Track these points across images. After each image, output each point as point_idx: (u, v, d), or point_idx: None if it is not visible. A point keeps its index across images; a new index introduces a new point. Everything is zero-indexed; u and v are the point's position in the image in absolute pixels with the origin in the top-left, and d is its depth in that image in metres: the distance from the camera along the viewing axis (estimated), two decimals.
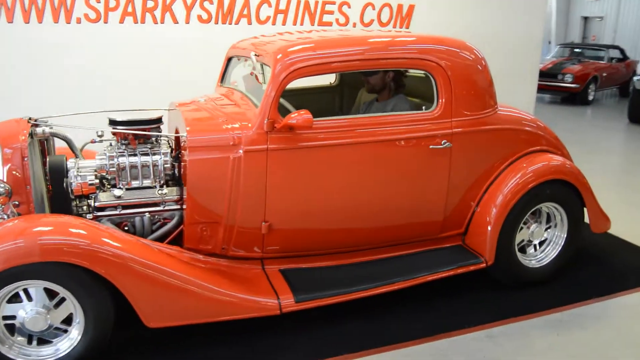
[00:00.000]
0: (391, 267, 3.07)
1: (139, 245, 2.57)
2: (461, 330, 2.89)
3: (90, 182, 2.83)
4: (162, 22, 5.61)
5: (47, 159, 2.94)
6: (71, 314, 2.45)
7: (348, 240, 3.06)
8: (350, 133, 2.83)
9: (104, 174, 2.94)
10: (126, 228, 2.97)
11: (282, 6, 5.96)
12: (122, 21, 5.47)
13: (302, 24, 6.09)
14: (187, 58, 5.62)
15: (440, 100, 2.96)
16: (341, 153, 2.84)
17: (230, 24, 5.84)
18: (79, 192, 2.83)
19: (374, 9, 6.29)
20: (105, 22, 5.42)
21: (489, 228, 3.13)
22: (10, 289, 2.34)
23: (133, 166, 2.91)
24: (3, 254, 2.25)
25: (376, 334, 2.85)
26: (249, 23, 5.91)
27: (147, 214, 2.94)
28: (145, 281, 2.47)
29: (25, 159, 2.69)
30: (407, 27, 6.46)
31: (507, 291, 3.27)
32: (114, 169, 2.92)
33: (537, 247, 3.41)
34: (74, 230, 2.40)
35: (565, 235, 3.38)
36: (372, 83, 3.33)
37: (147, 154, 2.95)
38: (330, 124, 2.84)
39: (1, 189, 2.57)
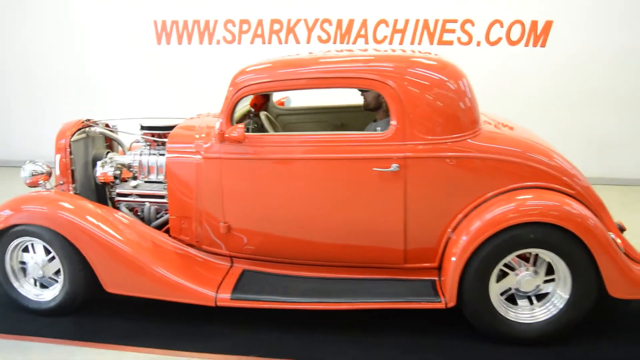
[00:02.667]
0: (345, 287, 3.02)
1: (110, 224, 3.15)
2: None
3: (109, 173, 3.54)
4: (287, 43, 6.25)
5: (94, 152, 3.77)
6: (59, 269, 3.18)
7: (304, 252, 3.12)
8: (297, 149, 2.93)
9: (127, 167, 3.63)
10: (139, 213, 3.63)
11: (400, 25, 6.01)
12: (252, 42, 6.29)
13: (420, 44, 6.03)
14: None
15: (392, 122, 2.82)
16: (288, 167, 2.95)
17: (347, 43, 6.15)
18: (102, 180, 3.57)
19: (502, 26, 5.82)
20: (239, 43, 6.31)
21: (451, 267, 2.83)
22: (25, 240, 3.16)
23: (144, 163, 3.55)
24: (37, 214, 3.08)
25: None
26: (366, 43, 6.13)
27: (147, 203, 3.54)
28: (105, 251, 3.03)
29: (68, 149, 3.54)
30: (543, 46, 5.80)
31: (484, 343, 2.90)
32: (137, 164, 3.60)
33: (534, 301, 2.91)
34: (64, 205, 3.11)
35: (566, 295, 2.81)
36: (367, 100, 3.32)
37: (162, 154, 3.54)
38: (280, 139, 2.99)
39: (44, 169, 3.46)
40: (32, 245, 3.18)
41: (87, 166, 3.71)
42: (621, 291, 2.79)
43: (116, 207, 3.62)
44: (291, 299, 2.94)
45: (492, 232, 2.71)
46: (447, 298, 2.83)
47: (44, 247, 3.14)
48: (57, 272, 3.17)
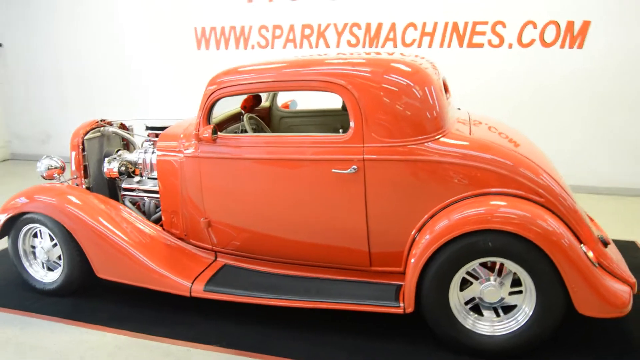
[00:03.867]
0: (312, 287, 3.09)
1: (105, 215, 3.42)
2: None
3: (115, 169, 3.84)
4: (317, 47, 6.37)
5: (106, 150, 4.10)
6: (60, 255, 3.51)
7: (276, 249, 3.21)
8: (264, 150, 3.04)
9: (133, 164, 3.91)
10: (141, 207, 3.91)
11: (429, 29, 5.93)
12: (284, 47, 6.48)
13: (449, 47, 5.92)
14: None
15: (351, 125, 2.86)
16: (256, 166, 3.07)
17: (376, 47, 6.16)
18: (108, 176, 3.88)
19: (535, 27, 5.57)
20: (272, 48, 6.51)
21: (409, 272, 2.82)
22: (34, 226, 3.52)
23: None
24: (43, 204, 3.43)
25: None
26: (395, 46, 6.10)
27: (145, 198, 3.81)
28: (96, 239, 3.31)
29: (81, 147, 3.89)
30: (580, 48, 5.48)
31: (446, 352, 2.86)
32: (142, 161, 3.88)
33: (501, 312, 2.83)
34: (73, 200, 3.43)
35: (530, 311, 2.71)
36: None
37: None
38: (249, 139, 3.11)
39: (59, 164, 3.82)
40: (40, 231, 3.53)
41: (100, 162, 4.04)
42: (590, 309, 2.63)
43: (122, 200, 3.92)
44: (258, 294, 3.06)
45: (446, 239, 2.67)
46: (406, 303, 2.83)
47: (49, 233, 3.48)
48: (60, 257, 3.50)
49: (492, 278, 2.78)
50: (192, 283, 3.18)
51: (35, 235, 3.58)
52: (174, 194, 3.44)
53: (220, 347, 2.96)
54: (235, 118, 3.68)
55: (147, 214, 3.85)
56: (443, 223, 2.72)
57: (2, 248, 4.14)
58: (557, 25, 5.50)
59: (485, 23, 5.73)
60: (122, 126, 4.22)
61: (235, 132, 3.61)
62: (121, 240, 3.31)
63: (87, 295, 3.52)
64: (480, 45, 5.80)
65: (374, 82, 2.81)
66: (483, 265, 2.79)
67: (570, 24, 5.45)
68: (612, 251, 3.04)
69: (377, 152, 2.82)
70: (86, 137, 3.91)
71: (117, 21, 7.12)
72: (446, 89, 3.70)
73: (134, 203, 3.90)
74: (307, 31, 6.34)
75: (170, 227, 3.57)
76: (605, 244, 2.89)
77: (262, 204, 3.14)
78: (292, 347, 2.93)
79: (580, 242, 2.71)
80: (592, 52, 5.45)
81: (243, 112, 3.72)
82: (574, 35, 5.47)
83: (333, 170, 2.88)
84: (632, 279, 2.79)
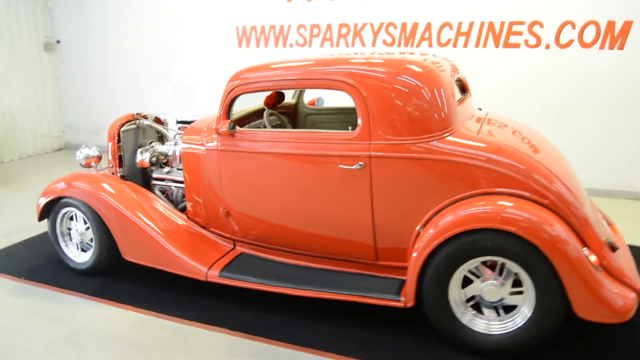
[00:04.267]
0: (322, 277, 3.20)
1: (133, 202, 3.66)
2: (329, 354, 2.88)
3: (146, 159, 4.08)
4: (353, 45, 6.45)
5: (140, 141, 4.35)
6: (92, 237, 3.78)
7: (290, 239, 3.34)
8: (277, 145, 3.17)
9: (164, 155, 4.15)
10: (169, 196, 4.14)
11: (464, 28, 5.89)
12: (322, 45, 6.60)
13: (484, 47, 5.86)
14: None
15: (359, 122, 2.94)
16: (270, 160, 3.21)
17: (412, 46, 6.18)
18: (140, 165, 4.12)
19: (574, 27, 5.43)
20: (310, 46, 6.65)
21: (410, 267, 2.88)
22: (71, 209, 3.81)
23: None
24: (78, 189, 3.72)
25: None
26: (430, 46, 6.10)
27: (173, 187, 4.04)
28: (123, 223, 3.56)
29: (116, 138, 4.15)
30: (621, 49, 5.30)
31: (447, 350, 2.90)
32: (171, 153, 4.11)
33: (502, 312, 2.84)
34: (105, 187, 3.69)
35: (528, 312, 2.71)
36: None
37: None
38: (264, 134, 3.25)
39: (97, 153, 4.10)
40: (75, 215, 3.82)
41: (135, 153, 4.30)
42: (589, 312, 2.61)
43: (152, 189, 4.17)
44: (269, 282, 3.20)
45: (446, 237, 2.72)
46: (407, 298, 2.89)
47: (83, 217, 3.76)
48: (92, 240, 3.78)
49: (492, 277, 2.80)
50: (209, 268, 3.36)
51: (71, 218, 3.87)
52: (197, 184, 3.64)
53: (227, 328, 3.12)
54: (258, 114, 3.84)
55: (174, 203, 4.08)
56: (445, 220, 2.77)
57: (45, 230, 4.48)
58: (597, 25, 5.34)
59: (522, 23, 5.63)
60: (157, 120, 4.47)
61: (258, 128, 3.77)
62: (146, 226, 3.54)
63: (114, 276, 3.78)
64: (517, 46, 5.71)
65: (381, 81, 2.89)
66: (485, 264, 2.82)
67: (611, 24, 5.28)
68: (623, 257, 2.99)
69: (382, 150, 2.89)
70: (122, 129, 4.17)
71: (163, 20, 7.47)
72: (465, 89, 3.73)
73: (163, 192, 4.14)
74: (344, 30, 6.44)
75: (194, 216, 3.77)
76: (614, 248, 2.84)
77: (275, 196, 3.28)
78: (299, 335, 3.04)
79: (586, 245, 2.70)
80: (633, 53, 5.25)
81: (265, 108, 3.87)
82: (615, 36, 5.29)
83: (340, 165, 2.98)
84: (639, 286, 2.74)
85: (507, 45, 5.75)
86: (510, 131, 3.25)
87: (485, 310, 2.86)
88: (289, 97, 4.37)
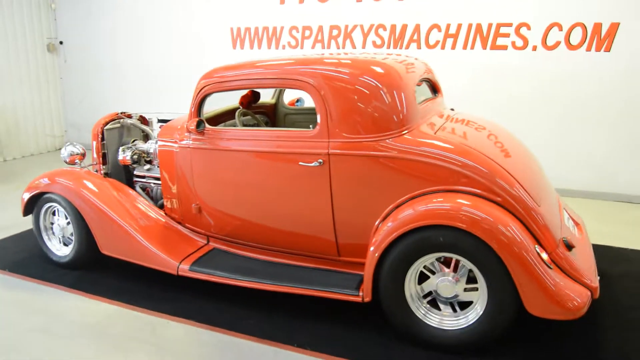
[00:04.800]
0: (287, 272, 3.29)
1: (111, 198, 3.78)
2: (286, 346, 2.96)
3: (127, 157, 4.20)
4: (344, 47, 6.53)
5: (123, 139, 4.47)
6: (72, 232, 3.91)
7: (259, 235, 3.42)
8: (241, 142, 3.27)
9: (146, 153, 4.26)
10: (150, 193, 4.25)
11: (452, 30, 5.93)
12: (313, 47, 6.68)
13: (472, 48, 5.89)
14: None
15: (318, 121, 3.02)
16: (235, 157, 3.31)
17: (400, 48, 6.24)
18: (122, 163, 4.24)
19: (560, 29, 5.44)
20: (302, 48, 6.74)
21: (367, 262, 2.94)
22: (53, 205, 3.94)
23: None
24: (60, 185, 3.85)
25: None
26: (419, 48, 6.15)
27: (153, 184, 4.15)
28: (100, 218, 3.68)
29: (100, 136, 4.28)
30: (608, 51, 5.30)
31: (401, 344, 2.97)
32: (152, 151, 4.22)
33: (457, 308, 2.89)
34: (85, 183, 3.82)
35: (481, 308, 2.76)
36: None
37: None
38: (230, 132, 3.34)
39: (81, 150, 4.23)
40: (58, 210, 3.95)
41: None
42: (540, 309, 2.65)
43: (134, 186, 4.28)
44: (235, 277, 3.29)
45: (399, 233, 2.78)
46: (364, 293, 2.96)
47: (64, 212, 3.89)
48: (72, 234, 3.90)
49: (447, 274, 2.85)
50: (180, 263, 3.46)
51: (53, 213, 4.00)
52: (172, 181, 3.74)
53: (195, 322, 3.22)
54: (232, 113, 3.93)
55: (154, 200, 4.19)
56: (400, 216, 2.83)
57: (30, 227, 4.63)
58: (584, 27, 5.35)
59: (510, 25, 5.66)
60: (142, 118, 4.58)
61: (234, 126, 3.86)
62: (122, 221, 3.65)
63: (93, 269, 3.90)
64: (504, 47, 5.74)
65: (339, 81, 2.96)
66: (441, 260, 2.87)
67: (598, 26, 5.29)
68: (583, 255, 3.02)
69: (340, 147, 2.97)
70: (106, 128, 4.29)
71: (162, 22, 7.63)
72: (437, 89, 3.79)
73: (144, 189, 4.25)
74: (335, 32, 6.52)
75: (171, 212, 3.87)
76: (570, 247, 2.88)
77: (242, 193, 3.37)
78: (261, 328, 3.13)
79: (539, 244, 2.74)
80: (620, 55, 5.25)
81: (240, 107, 3.96)
82: (601, 38, 5.30)
83: (300, 163, 3.06)
84: (594, 284, 2.78)
85: (494, 47, 5.78)
86: (473, 130, 3.30)
87: (442, 306, 2.92)
88: (269, 97, 4.46)
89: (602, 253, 4.00)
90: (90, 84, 8.49)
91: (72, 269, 3.92)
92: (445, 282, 2.85)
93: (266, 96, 4.46)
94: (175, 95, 7.63)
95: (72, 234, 3.89)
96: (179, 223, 3.84)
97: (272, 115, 4.50)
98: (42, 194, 3.94)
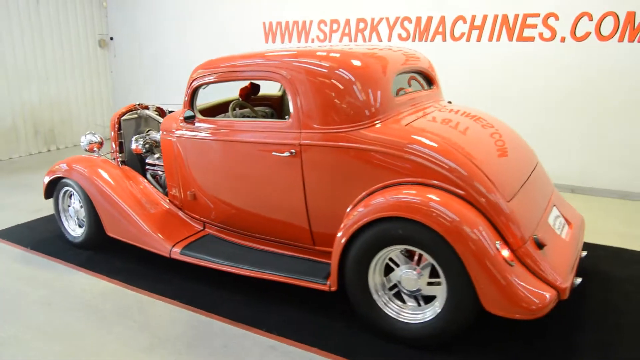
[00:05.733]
0: (265, 259, 3.40)
1: (119, 184, 4.04)
2: (255, 329, 3.07)
3: (139, 146, 4.46)
4: (370, 40, 6.52)
5: (141, 129, 4.74)
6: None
7: (244, 223, 3.56)
8: (224, 132, 3.41)
9: (157, 143, 4.51)
10: (159, 180, 4.50)
11: (478, 22, 5.77)
12: (340, 40, 6.72)
13: (498, 40, 5.70)
14: None
15: (290, 112, 3.09)
16: (221, 148, 3.45)
17: (426, 41, 6.14)
18: (135, 152, 4.50)
19: (590, 19, 5.15)
20: (330, 41, 6.79)
21: (333, 252, 2.99)
22: (68, 189, 4.27)
23: None
24: (74, 171, 4.19)
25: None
26: (444, 40, 6.03)
27: (159, 172, 4.38)
28: (106, 202, 3.95)
29: (117, 126, 4.57)
30: None
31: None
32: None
33: (422, 302, 2.88)
34: (96, 170, 4.11)
35: (440, 303, 2.73)
36: None
37: None
38: (216, 122, 3.49)
39: (98, 139, 4.54)
40: (73, 193, 4.28)
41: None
42: (497, 307, 2.58)
43: (145, 174, 4.54)
44: (217, 261, 3.43)
45: (361, 225, 2.80)
46: (331, 281, 3.01)
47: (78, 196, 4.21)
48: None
49: (409, 267, 2.84)
50: (173, 246, 3.65)
51: (70, 197, 4.33)
52: (171, 169, 3.95)
53: (180, 301, 3.40)
54: (225, 105, 4.08)
55: (163, 187, 4.42)
56: (359, 210, 2.85)
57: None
58: (616, 16, 5.04)
59: (537, 15, 5.43)
60: (159, 110, 4.83)
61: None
62: (125, 205, 3.90)
63: (102, 250, 4.19)
64: (531, 39, 5.52)
65: (309, 73, 3.02)
66: (405, 253, 2.87)
67: (631, 15, 4.97)
68: (561, 255, 2.91)
69: (311, 138, 3.03)
70: (122, 118, 4.57)
71: (201, 16, 7.95)
72: (432, 82, 3.75)
73: (154, 176, 4.50)
74: (362, 25, 6.52)
75: (173, 199, 4.08)
76: (540, 245, 2.79)
77: (226, 181, 3.52)
78: (236, 311, 3.26)
79: (505, 241, 2.68)
80: None
81: (239, 99, 4.10)
82: (635, 28, 4.97)
83: (273, 153, 3.15)
84: (563, 284, 2.68)
85: (521, 38, 5.57)
86: (455, 122, 3.24)
87: (406, 299, 2.91)
88: (276, 90, 4.56)
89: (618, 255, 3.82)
90: (137, 77, 8.98)
91: (84, 249, 4.23)
92: (408, 275, 2.85)
93: (273, 89, 4.56)
94: (214, 90, 7.92)
95: (84, 217, 4.20)
96: (180, 209, 4.05)
97: (279, 107, 4.60)
98: (60, 178, 4.27)
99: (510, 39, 5.63)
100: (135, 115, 4.69)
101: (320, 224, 3.18)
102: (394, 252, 2.86)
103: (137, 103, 4.73)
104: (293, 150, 3.08)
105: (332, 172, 3.02)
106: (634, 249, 4.06)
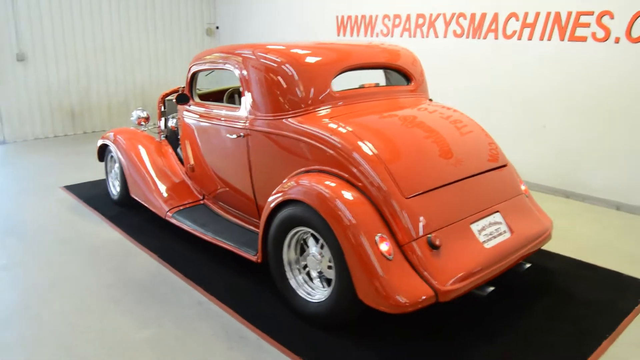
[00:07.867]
0: (227, 229, 3.88)
1: (148, 153, 4.76)
2: (197, 287, 3.53)
3: (173, 124, 5.14)
4: (427, 37, 6.48)
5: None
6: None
7: (221, 195, 4.06)
8: (204, 116, 3.91)
9: None
10: None
11: (530, 19, 5.45)
12: (401, 35, 6.77)
13: (549, 39, 5.33)
14: (442, 68, 6.28)
15: (242, 99, 3.48)
16: (201, 128, 3.99)
17: (479, 38, 5.95)
18: (172, 129, 5.20)
19: None
20: (392, 36, 6.88)
21: (259, 230, 3.32)
22: (112, 154, 5.13)
23: None
24: (114, 139, 5.04)
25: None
26: (496, 38, 5.78)
27: None
28: (132, 166, 4.70)
29: (161, 104, 5.31)
30: None
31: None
32: None
33: (325, 284, 3.09)
34: (132, 141, 4.89)
35: (330, 287, 2.93)
36: None
37: None
38: (201, 108, 3.99)
39: (144, 115, 5.34)
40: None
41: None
42: (367, 298, 2.69)
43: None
44: (191, 226, 3.97)
45: (273, 207, 3.11)
46: (258, 254, 3.35)
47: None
48: None
49: (313, 248, 3.06)
50: (169, 210, 4.27)
51: (116, 161, 5.20)
52: (183, 145, 4.56)
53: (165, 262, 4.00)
54: (231, 91, 4.57)
55: None
56: (274, 192, 3.15)
57: None
58: None
59: (591, 13, 5.00)
60: None
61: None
62: (144, 171, 4.62)
63: (132, 208, 4.98)
64: (583, 39, 5.10)
65: (257, 65, 3.41)
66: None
67: None
68: (462, 259, 2.89)
69: (252, 123, 3.40)
70: (166, 98, 5.32)
71: (287, 8, 8.53)
72: (410, 78, 3.85)
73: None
74: (420, 21, 6.51)
75: (187, 171, 4.72)
76: (433, 246, 2.81)
77: (206, 157, 4.06)
78: (193, 270, 3.74)
79: (395, 237, 2.78)
80: None
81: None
82: None
83: (227, 135, 3.58)
84: (445, 287, 2.69)
85: (572, 38, 5.17)
86: (400, 117, 3.35)
87: (314, 279, 3.13)
88: None
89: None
90: None
91: (119, 206, 5.06)
92: (312, 257, 3.07)
93: None
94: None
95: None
96: (190, 180, 4.66)
97: None
98: (106, 145, 5.15)
99: (562, 39, 5.25)
100: None
101: (263, 200, 3.51)
102: (307, 234, 3.08)
103: (181, 87, 5.43)
104: (241, 134, 3.49)
105: (268, 154, 3.38)
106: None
